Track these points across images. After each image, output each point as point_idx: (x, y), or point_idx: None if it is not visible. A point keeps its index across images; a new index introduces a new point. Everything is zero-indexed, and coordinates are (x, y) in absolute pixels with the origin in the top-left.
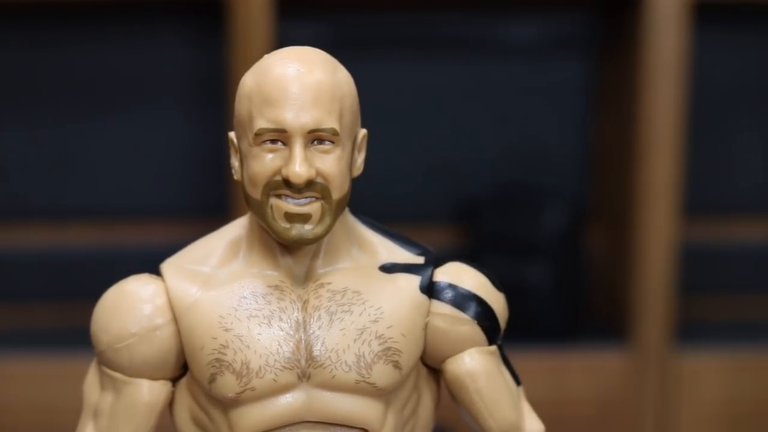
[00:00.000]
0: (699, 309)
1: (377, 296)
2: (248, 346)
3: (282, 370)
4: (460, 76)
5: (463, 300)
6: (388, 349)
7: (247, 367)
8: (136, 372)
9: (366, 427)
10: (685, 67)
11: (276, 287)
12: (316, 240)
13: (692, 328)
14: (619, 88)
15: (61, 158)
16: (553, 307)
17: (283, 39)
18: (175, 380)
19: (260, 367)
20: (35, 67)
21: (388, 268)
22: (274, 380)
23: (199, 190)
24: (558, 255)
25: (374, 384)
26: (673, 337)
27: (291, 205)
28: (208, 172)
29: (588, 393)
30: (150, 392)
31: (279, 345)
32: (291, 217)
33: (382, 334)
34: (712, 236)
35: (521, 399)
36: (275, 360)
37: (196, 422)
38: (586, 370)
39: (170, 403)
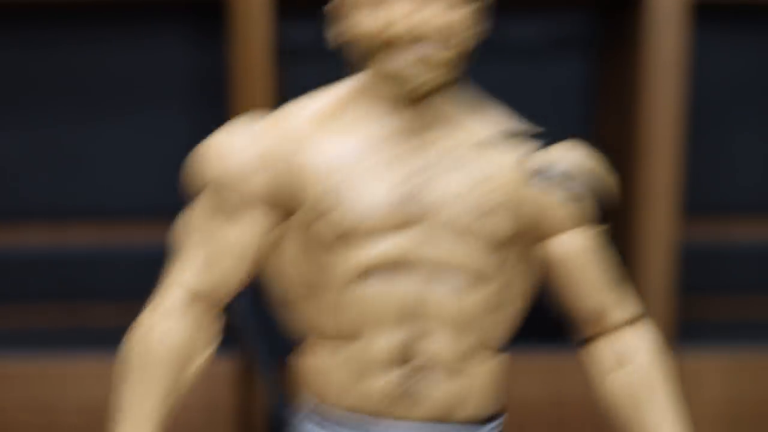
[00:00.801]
0: (699, 309)
1: (488, 158)
2: (361, 186)
3: (395, 210)
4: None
5: (567, 181)
6: (501, 204)
7: (360, 206)
8: (251, 206)
9: (476, 274)
10: (685, 67)
11: (391, 136)
12: (435, 90)
13: (692, 328)
14: (619, 88)
15: (61, 158)
16: (553, 307)
17: (283, 39)
18: (285, 222)
19: (372, 206)
20: (35, 68)
21: (496, 137)
22: (385, 219)
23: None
24: None
25: (488, 233)
26: (673, 337)
27: (414, 53)
28: None
29: (588, 393)
30: (261, 226)
31: (389, 187)
32: (414, 64)
33: (494, 189)
34: (712, 236)
35: (620, 283)
36: (389, 200)
37: (304, 263)
38: (586, 369)
39: (274, 245)
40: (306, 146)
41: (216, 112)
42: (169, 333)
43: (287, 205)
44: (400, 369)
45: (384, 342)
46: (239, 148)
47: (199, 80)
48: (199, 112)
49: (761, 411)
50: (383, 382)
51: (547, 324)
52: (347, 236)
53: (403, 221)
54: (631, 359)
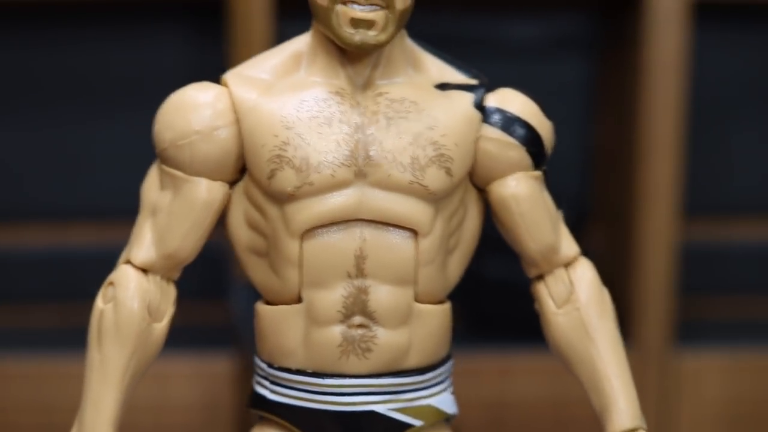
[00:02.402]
0: (699, 309)
1: (432, 107)
2: (309, 144)
3: (340, 167)
4: None
5: (513, 125)
6: (442, 155)
7: (307, 163)
8: (197, 171)
9: (415, 228)
10: (685, 67)
11: (336, 93)
12: (378, 47)
13: (692, 328)
14: (619, 88)
15: (61, 158)
16: None
17: (283, 39)
18: (231, 185)
19: (319, 163)
20: (35, 67)
21: (443, 86)
22: (332, 176)
23: None
24: None
25: (426, 186)
26: (673, 337)
27: (357, 11)
28: None
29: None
30: (208, 191)
31: (338, 144)
32: (356, 23)
33: (436, 141)
34: (712, 236)
35: (560, 223)
36: (334, 157)
37: (251, 224)
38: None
39: (225, 209)
40: (258, 105)
41: None
42: (123, 312)
43: (237, 166)
44: (344, 325)
45: (328, 299)
46: (191, 108)
47: (199, 80)
48: None
49: (761, 411)
50: (329, 340)
51: None
52: (293, 195)
53: (347, 178)
54: (578, 295)
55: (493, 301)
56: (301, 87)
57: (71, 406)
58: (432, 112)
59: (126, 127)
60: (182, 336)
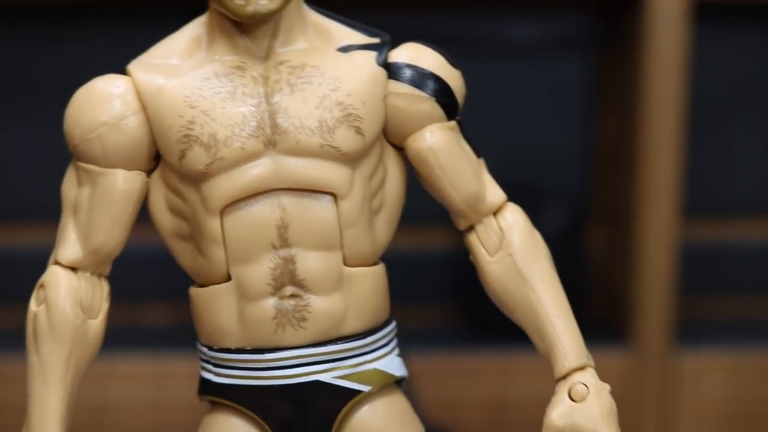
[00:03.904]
0: (699, 309)
1: (336, 70)
2: (214, 119)
3: (248, 138)
4: None
5: (421, 78)
6: (349, 115)
7: (215, 138)
8: (110, 162)
9: (333, 191)
10: (685, 67)
11: (237, 67)
12: (272, 15)
13: (692, 328)
14: (619, 88)
15: (62, 158)
16: None
17: None
18: (148, 174)
19: (227, 137)
20: (34, 67)
21: (344, 49)
22: (241, 148)
23: None
24: (558, 255)
25: (338, 148)
26: (673, 337)
27: None
28: None
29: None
30: (125, 181)
31: (243, 116)
32: None
33: (342, 102)
34: (712, 236)
35: (482, 171)
36: (241, 129)
37: (172, 209)
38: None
39: (146, 197)
40: (161, 90)
41: None
42: (56, 312)
43: (150, 153)
44: (276, 297)
45: (256, 273)
46: (95, 101)
47: None
48: None
49: (761, 411)
50: (262, 314)
51: None
52: (205, 173)
53: (257, 149)
54: (509, 241)
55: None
56: (203, 66)
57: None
58: (335, 74)
59: None
60: (182, 336)
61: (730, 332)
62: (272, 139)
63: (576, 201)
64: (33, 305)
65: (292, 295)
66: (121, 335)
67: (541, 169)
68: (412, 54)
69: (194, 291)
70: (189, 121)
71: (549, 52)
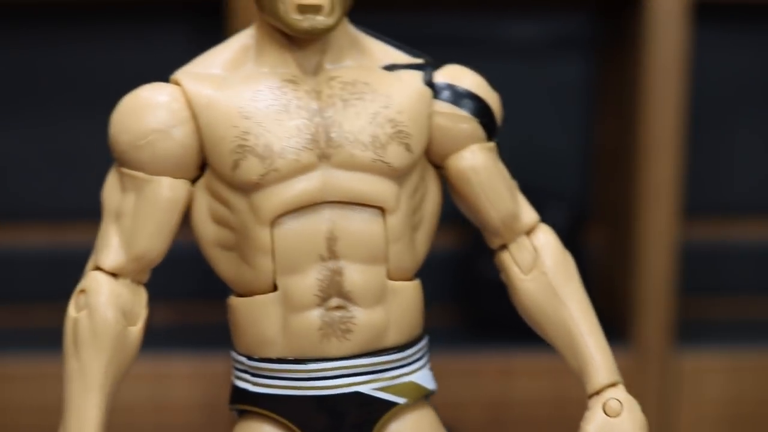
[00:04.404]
0: (699, 309)
1: (385, 87)
2: (269, 131)
3: (303, 151)
4: None
5: (461, 98)
6: (400, 132)
7: (270, 149)
8: (157, 170)
9: (382, 206)
10: (685, 67)
11: (290, 81)
12: (327, 31)
13: (692, 328)
14: (619, 88)
15: (61, 158)
16: None
17: None
18: (192, 182)
19: (282, 149)
20: (35, 67)
21: (389, 67)
22: (296, 160)
23: None
24: None
25: (389, 163)
26: (673, 337)
27: None
28: None
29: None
30: (171, 189)
31: (298, 128)
32: (303, 9)
33: (393, 118)
34: (712, 236)
35: (517, 191)
36: (296, 141)
37: (216, 219)
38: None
39: (189, 207)
40: (213, 100)
41: None
42: (98, 318)
43: (197, 162)
44: (322, 309)
45: (304, 284)
46: (146, 108)
47: None
48: None
49: (761, 411)
50: (308, 325)
51: None
52: (259, 183)
53: (311, 162)
54: (543, 260)
55: (493, 301)
56: (253, 78)
57: None
58: (385, 91)
59: None
60: (182, 336)
61: (730, 332)
62: (326, 152)
63: (576, 201)
64: (73, 311)
65: (338, 307)
66: None
67: (541, 169)
68: (455, 75)
69: (235, 301)
70: (244, 132)
71: (549, 52)
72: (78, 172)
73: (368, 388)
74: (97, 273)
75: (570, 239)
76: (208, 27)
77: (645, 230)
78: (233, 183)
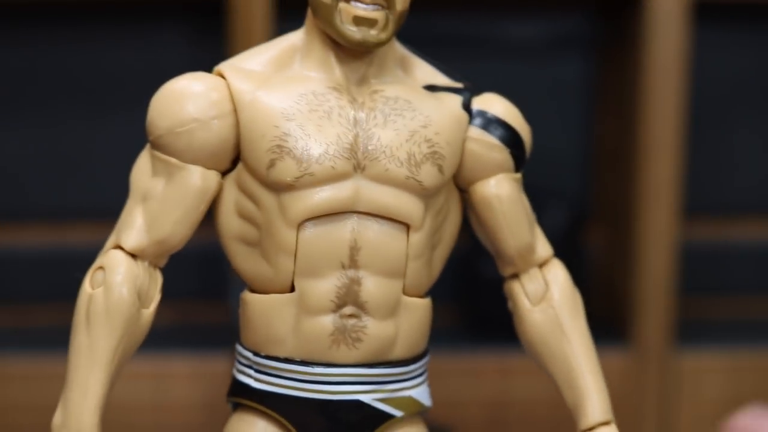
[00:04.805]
0: (699, 309)
1: (425, 106)
2: (309, 135)
3: (340, 159)
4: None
5: (496, 127)
6: (435, 153)
7: (308, 153)
8: (192, 158)
9: (409, 222)
10: (685, 67)
11: (333, 88)
12: (379, 46)
13: (692, 328)
14: (619, 88)
15: (61, 158)
16: None
17: None
18: (223, 175)
19: (320, 155)
20: (35, 67)
21: (430, 88)
22: (333, 167)
23: None
24: (558, 255)
25: (421, 182)
26: (673, 337)
27: (360, 10)
28: None
29: None
30: (202, 178)
31: (338, 136)
32: (359, 21)
33: (431, 139)
34: (712, 236)
35: (536, 225)
36: (335, 149)
37: (241, 214)
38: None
39: (216, 198)
40: (256, 97)
41: None
42: (113, 296)
43: (231, 156)
44: (336, 315)
45: (321, 289)
46: (189, 97)
47: None
48: None
49: None
50: (320, 329)
51: None
52: (292, 185)
53: (346, 170)
54: (552, 294)
55: (493, 301)
56: (298, 81)
57: None
58: (425, 111)
59: (126, 127)
60: (182, 336)
61: (730, 332)
62: (362, 163)
63: (576, 201)
64: (88, 286)
65: (352, 315)
66: None
67: (541, 168)
68: (492, 104)
69: (250, 296)
70: (284, 133)
71: (549, 52)
72: (78, 172)
73: (369, 398)
74: (117, 252)
75: (570, 239)
76: (208, 27)
77: (645, 230)
78: (266, 181)
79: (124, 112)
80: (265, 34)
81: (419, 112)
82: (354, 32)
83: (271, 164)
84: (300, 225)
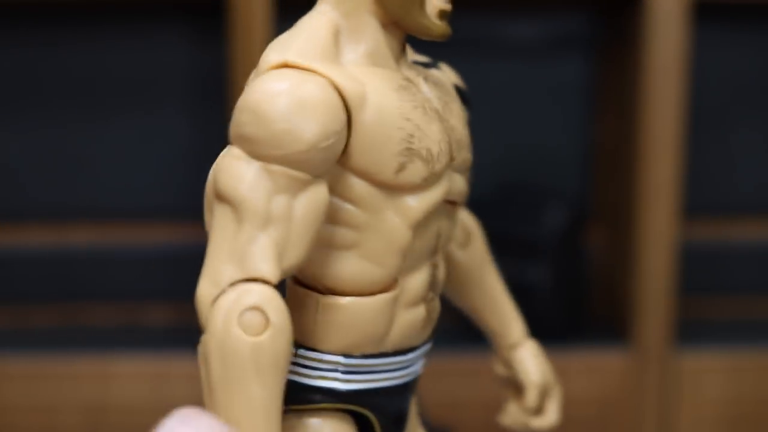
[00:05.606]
0: (699, 309)
1: (450, 87)
2: (426, 134)
3: (446, 154)
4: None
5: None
6: (468, 136)
7: (431, 153)
8: (320, 172)
9: (461, 203)
10: (685, 66)
11: (406, 80)
12: (449, 36)
13: (692, 328)
14: (619, 88)
15: (61, 158)
16: (553, 307)
17: None
18: None
19: (438, 153)
20: (36, 68)
21: (418, 65)
22: (446, 164)
23: (199, 190)
24: (558, 255)
25: (471, 164)
26: (673, 337)
27: (446, 4)
28: (208, 171)
29: (588, 393)
30: (326, 192)
31: (441, 132)
32: (443, 15)
33: (465, 117)
34: (712, 236)
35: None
36: (445, 144)
37: (333, 219)
38: (586, 370)
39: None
40: (368, 97)
41: (216, 112)
42: (283, 339)
43: (336, 159)
44: (425, 303)
45: (418, 281)
46: (321, 106)
47: (199, 80)
48: (200, 112)
49: (761, 411)
50: (417, 318)
51: (548, 324)
52: (419, 186)
53: (447, 164)
54: (475, 236)
55: None
56: (381, 74)
57: (71, 406)
58: (451, 91)
59: (126, 127)
60: (182, 336)
61: (730, 332)
62: (454, 155)
63: (576, 201)
64: (241, 333)
65: (432, 299)
66: (121, 335)
67: (541, 169)
68: (452, 75)
69: (342, 300)
70: (409, 134)
71: (549, 52)
72: (79, 172)
73: (421, 370)
74: (266, 288)
75: (570, 239)
76: (208, 27)
77: (645, 230)
78: (391, 184)
79: (125, 112)
80: (265, 34)
81: (453, 95)
82: (440, 26)
83: (401, 168)
84: (414, 224)
